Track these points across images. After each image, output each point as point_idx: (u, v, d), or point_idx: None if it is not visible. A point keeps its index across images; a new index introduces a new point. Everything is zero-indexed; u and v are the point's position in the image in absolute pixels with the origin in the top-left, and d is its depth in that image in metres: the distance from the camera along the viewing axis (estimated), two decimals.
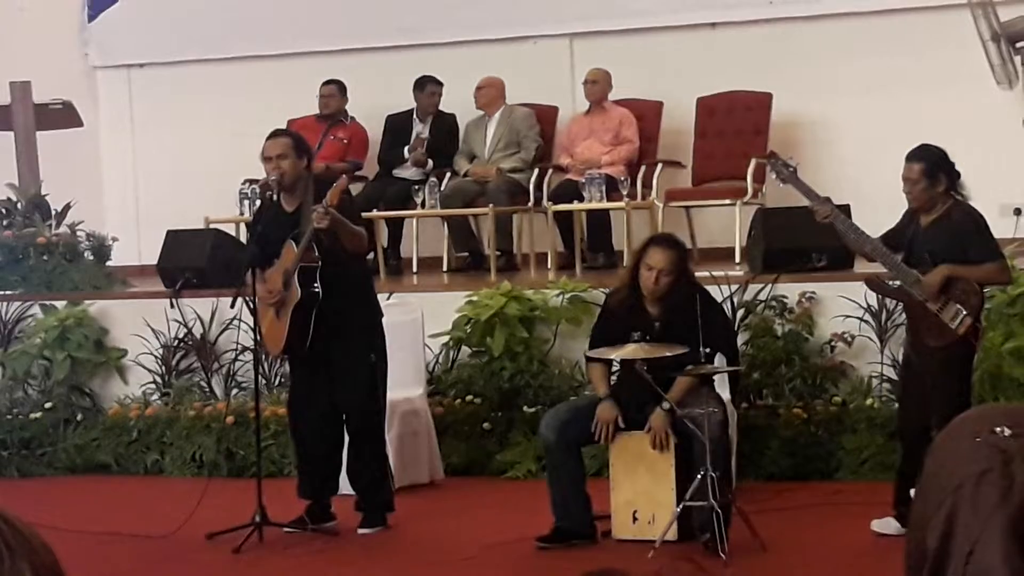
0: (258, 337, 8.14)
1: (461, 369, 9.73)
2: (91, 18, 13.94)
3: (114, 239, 11.48)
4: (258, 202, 9.53)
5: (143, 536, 8.01)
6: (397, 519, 8.12)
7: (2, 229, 11.25)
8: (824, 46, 11.66)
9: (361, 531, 8.00)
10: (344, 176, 8.33)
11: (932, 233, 7.18)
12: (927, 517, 1.54)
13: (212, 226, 11.35)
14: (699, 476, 7.04)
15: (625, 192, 10.90)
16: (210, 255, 10.54)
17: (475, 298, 9.71)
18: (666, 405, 7.30)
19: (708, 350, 7.19)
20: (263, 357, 9.18)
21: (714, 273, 9.07)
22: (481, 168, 11.83)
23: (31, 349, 10.56)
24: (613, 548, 7.38)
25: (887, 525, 7.26)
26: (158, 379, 10.42)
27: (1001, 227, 8.93)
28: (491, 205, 11.19)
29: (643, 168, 11.44)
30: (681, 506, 7.19)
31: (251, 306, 8.10)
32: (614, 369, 7.69)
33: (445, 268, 11.95)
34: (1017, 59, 10.58)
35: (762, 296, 9.25)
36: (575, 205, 10.99)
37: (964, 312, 7.09)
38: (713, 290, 8.30)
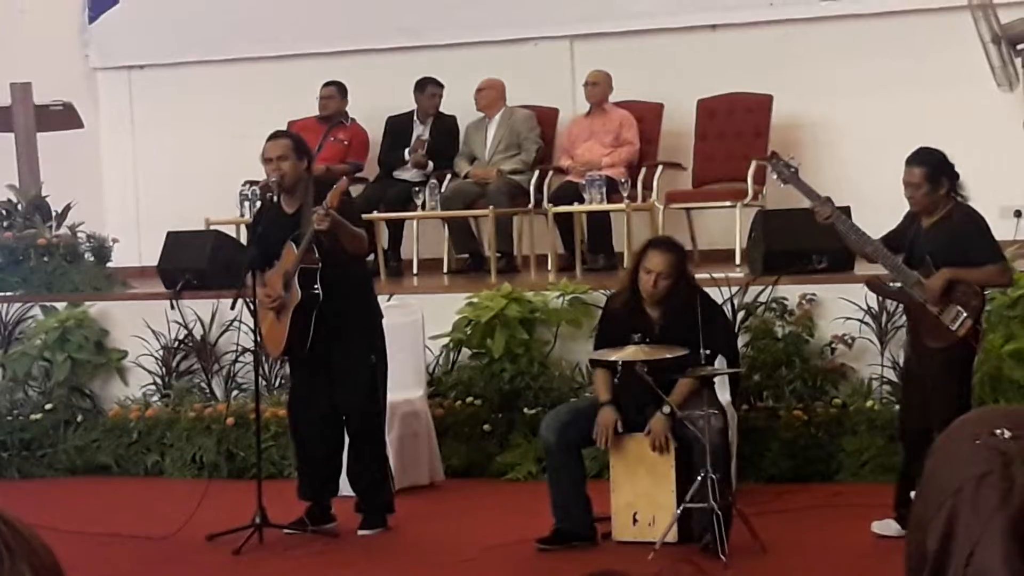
0: (258, 339, 8.13)
1: (461, 371, 9.73)
2: (92, 19, 13.95)
3: (114, 240, 11.48)
4: (258, 203, 9.53)
5: (143, 537, 8.01)
6: (397, 521, 8.12)
7: (2, 230, 11.25)
8: (825, 48, 11.67)
9: (361, 533, 8.00)
10: (344, 178, 8.33)
11: (933, 235, 7.18)
12: (927, 519, 1.54)
13: (212, 227, 11.35)
14: (699, 478, 7.04)
15: (625, 194, 10.91)
16: (210, 256, 10.54)
17: (475, 300, 9.71)
18: (667, 409, 7.30)
19: (708, 352, 7.20)
20: (263, 358, 9.18)
21: (714, 275, 9.07)
22: (481, 170, 11.83)
23: (31, 350, 10.56)
24: (613, 550, 7.38)
25: (887, 527, 7.26)
26: (158, 380, 10.42)
27: (1001, 229, 8.92)
28: (491, 207, 11.19)
29: (643, 170, 11.44)
30: (681, 508, 7.19)
31: (251, 307, 8.10)
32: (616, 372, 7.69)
33: (445, 270, 11.95)
34: (1018, 61, 10.58)
35: (762, 298, 9.25)
36: (575, 207, 10.99)
37: (964, 314, 7.09)
38: (713, 292, 8.30)
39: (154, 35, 13.60)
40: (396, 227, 12.01)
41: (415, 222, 11.89)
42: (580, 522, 7.48)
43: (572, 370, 9.52)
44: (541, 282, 10.28)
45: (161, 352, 10.41)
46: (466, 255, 12.02)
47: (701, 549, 7.10)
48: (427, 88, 12.21)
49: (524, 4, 12.59)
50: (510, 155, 11.89)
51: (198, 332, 10.36)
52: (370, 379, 7.88)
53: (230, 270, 9.32)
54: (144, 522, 8.34)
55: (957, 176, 7.19)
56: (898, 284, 7.40)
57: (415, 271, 11.90)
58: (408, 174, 12.09)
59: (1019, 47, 10.49)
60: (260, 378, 8.72)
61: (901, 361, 8.21)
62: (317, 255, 7.72)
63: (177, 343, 10.39)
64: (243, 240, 10.69)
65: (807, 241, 9.05)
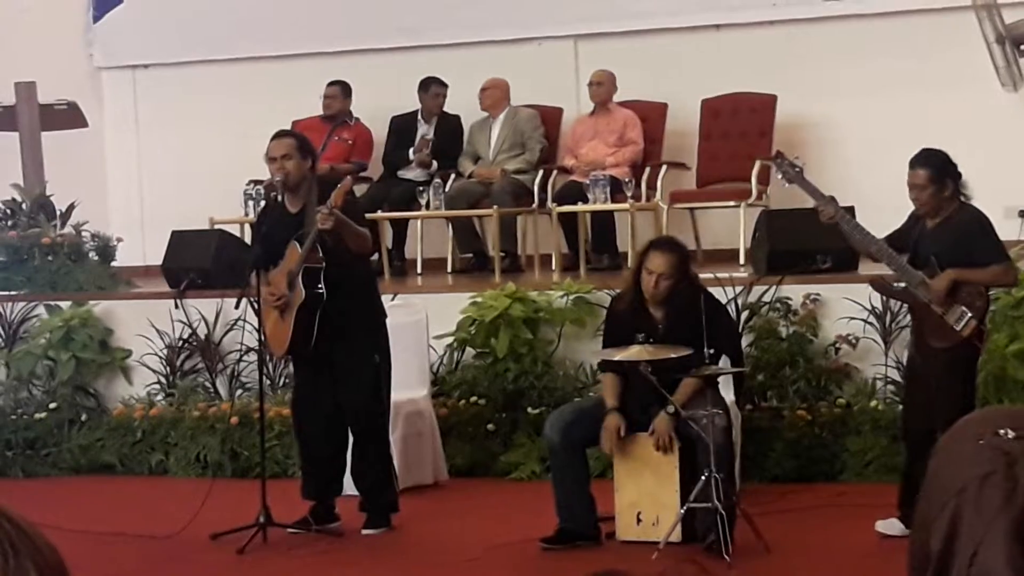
0: (262, 338, 8.14)
1: (465, 370, 9.74)
2: (96, 19, 13.95)
3: (119, 239, 11.49)
4: (262, 203, 9.54)
5: (147, 536, 8.01)
6: (401, 520, 8.12)
7: (7, 229, 11.26)
8: (828, 48, 11.66)
9: (365, 532, 8.00)
10: (348, 177, 8.32)
11: (937, 235, 7.18)
12: (931, 519, 1.54)
13: (216, 227, 11.36)
14: (703, 478, 7.04)
15: (629, 194, 10.91)
16: (214, 256, 10.55)
17: (479, 299, 9.71)
18: (671, 408, 7.30)
19: (712, 351, 7.20)
20: (267, 358, 9.18)
21: (718, 275, 9.07)
22: (485, 169, 11.83)
23: (36, 349, 10.57)
24: (617, 549, 7.38)
25: (891, 526, 7.26)
26: (162, 379, 10.42)
27: (1006, 229, 8.91)
28: (495, 206, 11.19)
29: (647, 170, 11.44)
30: (685, 508, 7.18)
31: (255, 307, 8.11)
32: None
33: (449, 269, 11.94)
34: (1022, 61, 10.59)
35: (766, 298, 9.25)
36: (579, 206, 10.98)
37: (969, 314, 7.09)
38: (717, 292, 8.30)
39: (158, 34, 13.61)
40: (400, 226, 12.01)
41: (419, 221, 11.89)
42: (584, 522, 7.48)
43: (576, 370, 9.52)
44: (545, 282, 10.28)
45: (165, 351, 10.41)
46: (470, 255, 12.01)
47: (705, 549, 7.10)
48: (431, 88, 12.21)
49: (529, 4, 12.59)
50: (514, 155, 11.89)
51: (202, 331, 10.36)
52: (374, 378, 7.88)
53: (234, 269, 9.33)
54: (148, 521, 8.34)
55: (960, 176, 7.19)
56: (902, 284, 7.40)
57: (419, 270, 11.89)
58: (412, 173, 12.09)
59: (1023, 47, 10.49)
60: (264, 377, 8.72)
61: (905, 361, 8.19)
62: (321, 254, 7.72)
63: (181, 342, 10.40)
64: (247, 239, 10.70)
65: (811, 241, 9.05)
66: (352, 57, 12.81)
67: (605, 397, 7.55)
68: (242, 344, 10.07)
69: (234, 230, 11.29)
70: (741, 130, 11.58)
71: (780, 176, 7.69)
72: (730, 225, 11.08)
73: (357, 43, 12.88)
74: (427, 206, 11.40)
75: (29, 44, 12.91)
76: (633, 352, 7.28)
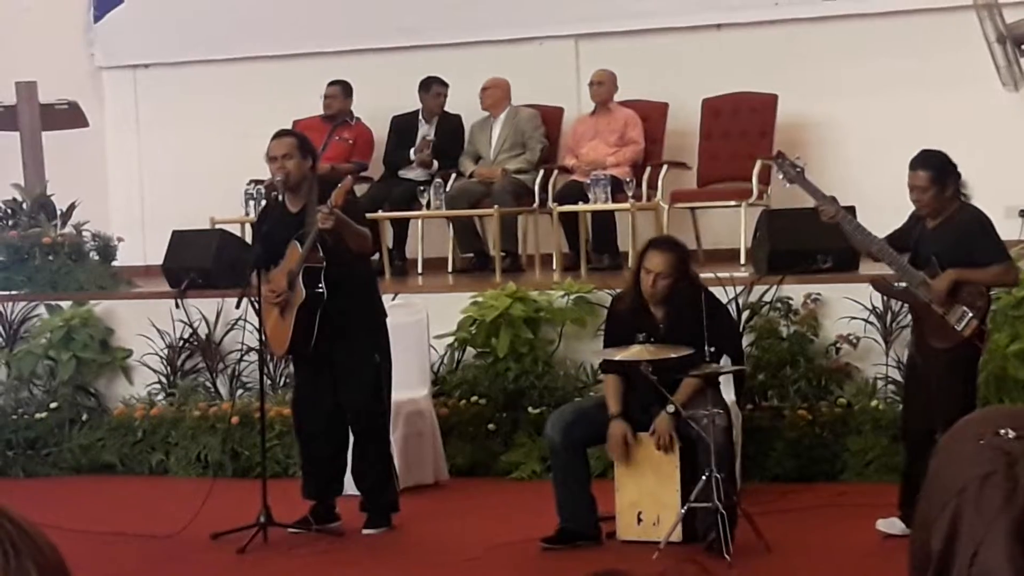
0: (263, 338, 8.14)
1: (466, 370, 9.74)
2: (97, 18, 13.95)
3: (119, 239, 11.49)
4: (263, 202, 9.54)
5: (148, 536, 8.01)
6: (402, 520, 8.12)
7: (7, 229, 11.26)
8: (830, 48, 11.66)
9: (366, 532, 8.00)
10: (349, 177, 8.32)
11: (938, 235, 7.17)
12: (931, 519, 1.54)
13: (217, 226, 11.37)
14: (704, 477, 7.04)
15: (630, 193, 10.91)
16: (215, 255, 10.55)
17: (480, 299, 9.71)
18: (671, 408, 7.30)
19: (713, 350, 7.19)
20: (268, 357, 9.18)
21: (719, 274, 9.06)
22: (486, 169, 11.83)
23: (36, 349, 10.57)
24: (617, 549, 7.38)
25: (892, 525, 7.26)
26: (163, 379, 10.43)
27: (1006, 229, 8.92)
28: (496, 206, 11.19)
29: (648, 169, 11.44)
30: (686, 507, 7.18)
31: (256, 306, 8.11)
32: None
33: (450, 269, 11.94)
34: (1022, 60, 10.58)
35: (767, 297, 9.25)
36: (580, 206, 10.98)
37: (970, 314, 7.09)
38: (718, 291, 8.30)
39: (159, 34, 13.61)
40: (401, 226, 12.01)
41: (420, 221, 11.89)
42: (584, 521, 7.48)
43: (577, 369, 9.53)
44: (546, 281, 10.28)
45: (166, 351, 10.41)
46: (471, 254, 12.01)
47: (705, 548, 7.10)
48: (432, 87, 12.22)
49: (529, 3, 12.59)
50: (515, 154, 11.89)
51: (203, 331, 10.36)
52: (374, 378, 7.88)
53: (235, 269, 9.33)
54: (149, 521, 8.34)
55: (960, 176, 7.19)
56: (903, 284, 7.40)
57: (420, 270, 11.89)
58: (413, 173, 12.10)
59: None
60: (265, 377, 8.73)
61: (905, 361, 8.19)
62: (321, 254, 7.72)
63: (182, 342, 10.40)
64: (248, 239, 10.70)
65: (812, 241, 9.05)
66: (353, 57, 12.81)
67: (608, 402, 7.53)
68: (243, 344, 10.07)
69: (235, 230, 11.30)
70: (742, 130, 11.58)
71: (781, 176, 7.69)
72: (731, 225, 11.08)
73: (358, 43, 12.88)
74: (428, 206, 11.40)
75: (30, 44, 12.92)
76: (634, 352, 7.27)
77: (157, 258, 11.14)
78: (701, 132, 11.73)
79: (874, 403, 8.88)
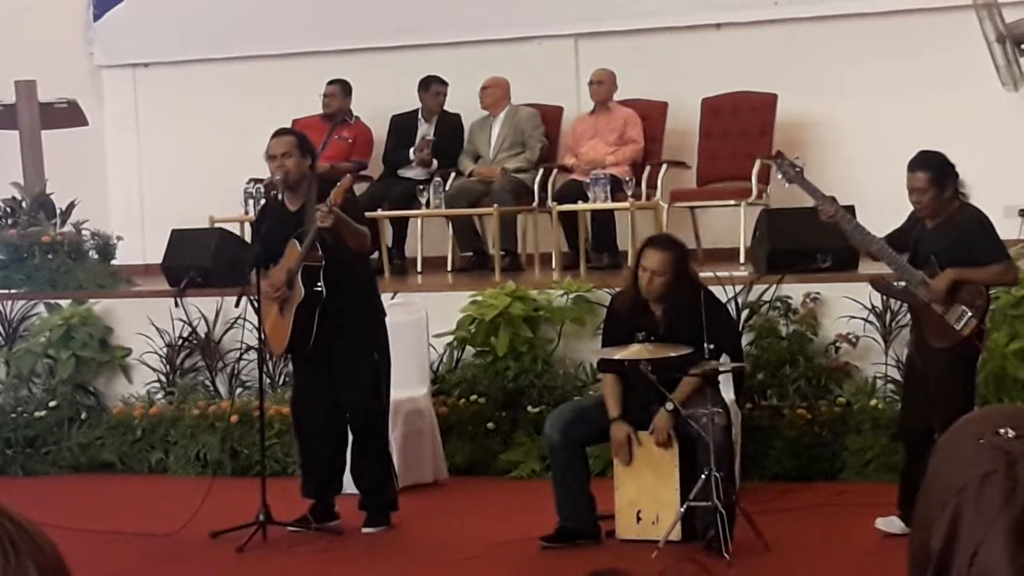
0: (262, 336, 8.14)
1: (465, 369, 9.74)
2: (96, 17, 13.95)
3: (119, 238, 11.49)
4: (262, 201, 9.54)
5: (147, 535, 8.01)
6: (401, 518, 8.12)
7: (7, 228, 11.26)
8: (829, 47, 11.66)
9: (365, 530, 8.00)
10: (348, 175, 8.32)
11: (938, 234, 7.17)
12: (931, 518, 1.54)
13: (216, 225, 11.36)
14: (703, 476, 7.04)
15: (630, 192, 10.91)
16: (214, 254, 10.55)
17: (479, 298, 9.71)
18: (670, 405, 7.30)
19: (712, 347, 7.19)
20: (267, 356, 9.18)
21: (718, 274, 9.06)
22: (486, 168, 11.83)
23: (36, 348, 10.57)
24: (617, 548, 7.38)
25: (891, 524, 7.26)
26: (162, 378, 10.43)
27: (1006, 228, 8.92)
28: (495, 205, 11.19)
29: (648, 168, 11.44)
30: (685, 506, 7.18)
31: (255, 305, 8.11)
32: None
33: (449, 268, 11.94)
34: (1022, 60, 10.59)
35: (766, 297, 9.25)
36: (579, 205, 10.98)
37: (969, 313, 7.09)
38: (717, 291, 8.30)
39: (158, 33, 13.61)
40: (400, 225, 12.01)
41: (419, 220, 11.89)
42: (584, 520, 7.48)
43: (576, 368, 9.52)
44: (545, 280, 10.28)
45: (165, 350, 10.41)
46: (470, 253, 12.01)
47: (705, 547, 7.10)
48: (431, 86, 12.21)
49: (529, 3, 12.59)
50: (514, 153, 11.89)
51: (202, 330, 10.36)
52: (373, 376, 7.88)
53: (234, 268, 9.34)
54: (148, 519, 8.34)
55: (958, 176, 7.19)
56: (902, 283, 7.40)
57: (419, 269, 11.90)
58: (412, 172, 12.10)
59: (1023, 46, 10.49)
60: (264, 376, 8.73)
61: (904, 360, 8.19)
62: (320, 252, 7.72)
63: (181, 341, 10.40)
64: (247, 238, 10.70)
65: (811, 240, 9.05)
66: (352, 56, 12.81)
67: (607, 403, 7.52)
68: (242, 342, 10.07)
69: (234, 228, 11.29)
70: (741, 129, 11.58)
71: (780, 176, 7.69)
72: (730, 224, 11.09)
73: (357, 42, 12.88)
74: (427, 205, 11.40)
75: (29, 42, 12.92)
76: (633, 351, 7.27)
77: (156, 257, 11.14)
78: (701, 131, 11.73)
79: (873, 402, 8.88)
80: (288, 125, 9.79)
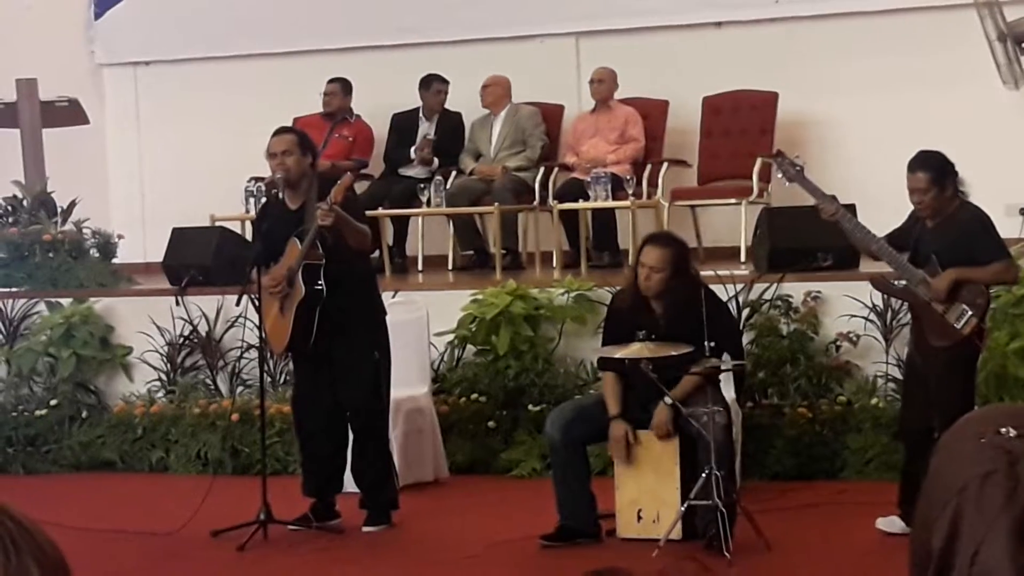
0: (263, 335, 8.13)
1: (466, 367, 9.74)
2: (97, 15, 13.95)
3: (120, 236, 11.49)
4: (263, 200, 9.54)
5: (148, 533, 8.02)
6: (401, 517, 8.12)
7: (8, 226, 11.26)
8: (830, 45, 11.66)
9: (365, 529, 8.00)
10: (349, 174, 8.33)
11: (938, 233, 7.17)
12: (932, 518, 1.54)
13: (217, 224, 11.36)
14: (704, 475, 7.04)
15: (631, 191, 10.91)
16: (215, 253, 10.55)
17: (480, 296, 9.71)
18: (668, 400, 7.29)
19: (713, 344, 7.18)
20: (268, 355, 9.18)
21: (719, 272, 9.06)
22: (487, 167, 11.83)
23: (36, 346, 10.57)
24: (617, 547, 7.38)
25: (892, 523, 7.26)
26: (163, 376, 10.43)
27: (1006, 227, 8.92)
28: (496, 204, 11.19)
29: (648, 167, 11.43)
30: (686, 505, 7.18)
31: (256, 304, 8.11)
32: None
33: (450, 266, 11.94)
34: (1023, 59, 10.58)
35: (767, 295, 9.25)
36: (580, 204, 10.98)
37: (969, 312, 7.09)
38: (718, 289, 8.29)
39: (159, 31, 13.61)
40: (401, 224, 12.01)
41: (420, 219, 11.89)
42: (584, 519, 7.48)
43: (577, 367, 9.52)
44: (546, 279, 10.28)
45: (166, 348, 10.41)
46: (471, 252, 12.02)
47: (705, 546, 7.11)
48: (432, 85, 12.21)
49: (530, 1, 12.59)
50: (515, 152, 11.89)
51: (203, 328, 10.36)
52: (373, 375, 7.88)
53: (235, 266, 9.33)
54: (149, 518, 8.34)
55: (958, 174, 7.19)
56: (903, 282, 7.40)
57: (420, 268, 11.89)
58: (413, 171, 12.10)
59: None
60: (265, 374, 8.73)
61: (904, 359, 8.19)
62: (321, 251, 7.72)
63: (182, 339, 10.40)
64: (248, 236, 10.70)
65: (812, 239, 9.05)
66: (353, 54, 12.81)
67: (607, 402, 7.53)
68: (243, 341, 10.07)
69: (235, 227, 11.30)
70: (742, 128, 11.58)
71: (780, 175, 7.69)
72: (731, 223, 11.08)
73: (358, 40, 12.88)
74: (428, 203, 11.39)
75: (30, 41, 12.92)
76: (634, 350, 7.27)
77: (157, 255, 11.14)
78: (701, 130, 11.73)
79: (874, 401, 8.88)
80: (289, 123, 9.79)
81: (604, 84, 11.66)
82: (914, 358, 7.46)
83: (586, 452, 7.60)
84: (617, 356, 7.38)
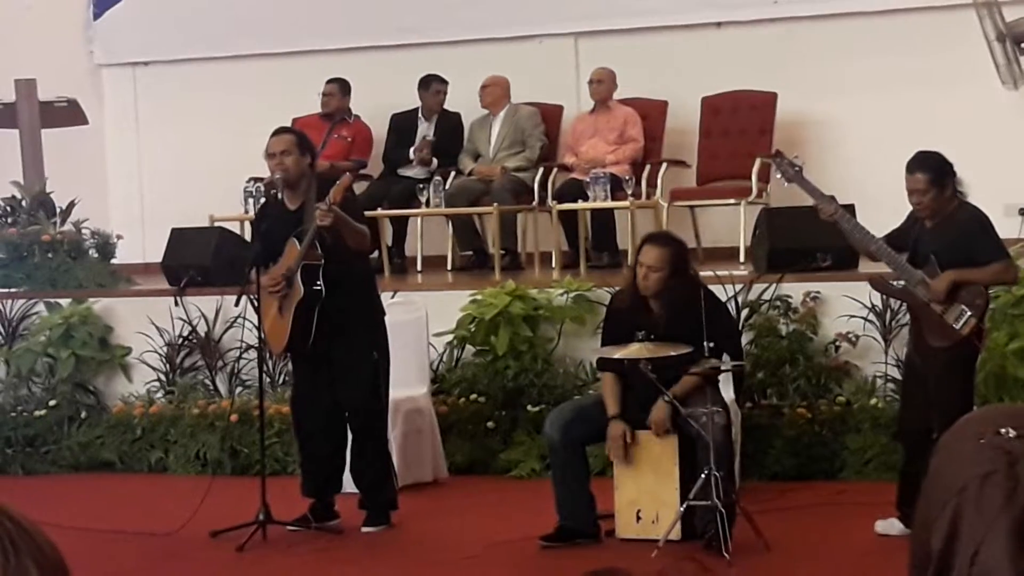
0: (262, 335, 8.13)
1: (465, 368, 9.74)
2: (96, 16, 13.95)
3: (119, 237, 11.49)
4: (262, 200, 9.54)
5: (147, 534, 8.01)
6: (401, 518, 8.12)
7: (7, 227, 11.26)
8: (829, 46, 11.66)
9: (365, 529, 8.00)
10: (347, 174, 8.33)
11: (937, 234, 7.17)
12: (931, 518, 1.54)
13: (216, 224, 11.36)
14: (703, 475, 7.04)
15: (630, 191, 10.91)
16: (214, 253, 10.55)
17: (479, 297, 9.71)
18: (666, 398, 7.29)
19: (712, 345, 7.18)
20: (267, 355, 9.18)
21: (718, 273, 9.06)
22: (486, 167, 11.83)
23: (35, 347, 10.57)
24: (617, 547, 7.38)
25: (891, 526, 7.26)
26: (162, 377, 10.42)
27: (1006, 227, 8.92)
28: (495, 204, 11.19)
29: (648, 167, 11.43)
30: (685, 505, 7.18)
31: (255, 304, 8.11)
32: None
33: (449, 267, 11.94)
34: (1022, 59, 10.58)
35: (766, 296, 9.25)
36: (579, 204, 10.98)
37: (968, 313, 7.09)
38: (717, 290, 8.29)
39: (159, 32, 13.61)
40: (400, 224, 12.01)
41: (419, 219, 11.89)
42: (584, 519, 7.48)
43: (576, 367, 9.52)
44: (545, 279, 10.28)
45: (165, 349, 10.41)
46: (470, 252, 12.02)
47: (704, 546, 7.11)
48: (431, 85, 12.21)
49: (529, 2, 12.59)
50: (514, 152, 11.89)
51: (202, 329, 10.36)
52: (372, 375, 7.88)
53: (234, 267, 9.33)
54: (148, 519, 8.34)
55: (956, 174, 7.19)
56: (902, 282, 7.39)
57: (419, 268, 11.89)
58: (412, 171, 12.10)
59: (1023, 45, 10.49)
60: (264, 375, 8.72)
61: (903, 359, 8.19)
62: (320, 251, 7.72)
63: (181, 340, 10.40)
64: (247, 237, 10.70)
65: (811, 239, 9.05)
66: (352, 55, 12.81)
67: (606, 402, 7.53)
68: (242, 341, 10.07)
69: (234, 227, 11.30)
70: (741, 128, 11.58)
71: (779, 175, 7.69)
72: (730, 223, 11.08)
73: (357, 41, 12.88)
74: (427, 204, 11.39)
75: (29, 41, 12.92)
76: (633, 350, 7.27)
77: (156, 256, 11.14)
78: (700, 130, 11.73)
79: (873, 401, 8.88)
80: (288, 124, 9.78)
81: (603, 84, 11.66)
82: (913, 358, 7.45)
83: (585, 452, 7.60)
84: (616, 356, 7.38)
